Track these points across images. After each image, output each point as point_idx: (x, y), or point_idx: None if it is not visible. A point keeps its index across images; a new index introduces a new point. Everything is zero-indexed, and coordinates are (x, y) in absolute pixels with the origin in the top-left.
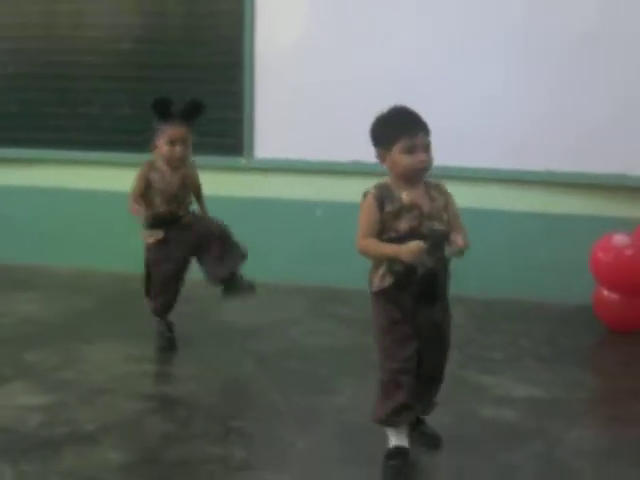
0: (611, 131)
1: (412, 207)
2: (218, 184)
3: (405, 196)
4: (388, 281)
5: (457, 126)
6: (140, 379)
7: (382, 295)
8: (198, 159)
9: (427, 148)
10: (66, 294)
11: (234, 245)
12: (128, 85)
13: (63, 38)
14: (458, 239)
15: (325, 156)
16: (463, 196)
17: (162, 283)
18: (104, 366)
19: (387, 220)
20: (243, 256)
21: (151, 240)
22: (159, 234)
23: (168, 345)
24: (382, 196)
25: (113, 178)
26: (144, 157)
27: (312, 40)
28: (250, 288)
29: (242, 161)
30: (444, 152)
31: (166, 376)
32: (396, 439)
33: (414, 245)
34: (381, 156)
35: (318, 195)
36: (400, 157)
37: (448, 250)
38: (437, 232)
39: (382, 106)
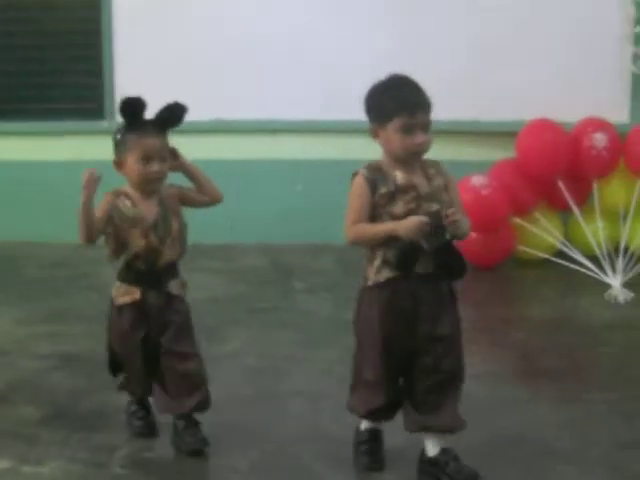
0: (464, 79)
1: (408, 188)
2: (81, 148)
3: (400, 176)
4: (385, 274)
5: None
6: (34, 340)
7: (377, 291)
8: (59, 125)
9: (426, 128)
10: None
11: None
12: None
13: None
14: (452, 214)
15: (187, 116)
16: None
17: (130, 361)
18: None
19: (380, 204)
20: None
21: (126, 300)
22: (134, 293)
23: (148, 431)
24: (374, 177)
25: None
26: (5, 124)
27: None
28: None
29: (104, 124)
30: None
31: (60, 336)
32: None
33: (413, 220)
34: (374, 132)
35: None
36: (396, 137)
37: (450, 231)
38: (436, 213)
39: (245, 64)
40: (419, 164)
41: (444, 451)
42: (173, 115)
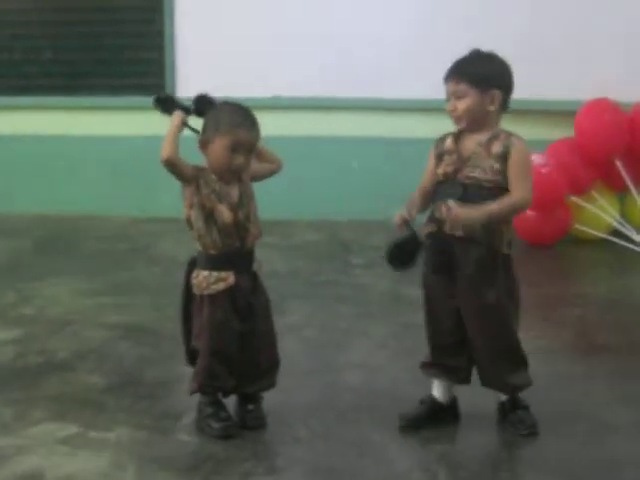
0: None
1: (452, 152)
2: (142, 124)
3: (449, 140)
4: (427, 229)
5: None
6: (99, 310)
7: (426, 241)
8: (121, 100)
9: (458, 96)
10: None
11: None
12: (49, 30)
13: None
14: (451, 206)
15: (245, 93)
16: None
17: (223, 353)
18: (60, 300)
19: (436, 165)
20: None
21: (219, 287)
22: (228, 278)
23: (232, 432)
24: (439, 140)
25: (37, 122)
26: (67, 100)
27: None
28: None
29: None
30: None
31: (123, 306)
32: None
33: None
34: None
35: None
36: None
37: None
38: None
39: (298, 44)
40: (489, 134)
41: (512, 399)
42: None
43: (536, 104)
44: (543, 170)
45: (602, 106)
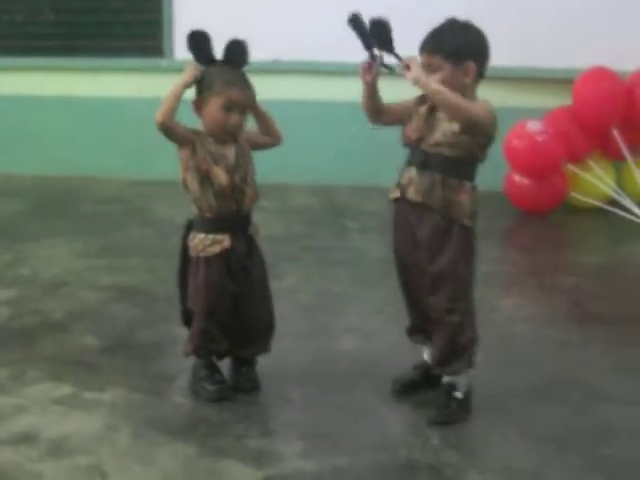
0: (522, 26)
1: (423, 117)
2: (140, 86)
3: (426, 107)
4: (391, 195)
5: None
6: (93, 271)
7: (392, 207)
8: (120, 62)
9: (432, 69)
10: None
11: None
12: None
13: None
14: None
15: None
16: None
17: (217, 316)
18: (55, 261)
19: (406, 120)
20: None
21: (215, 250)
22: (224, 241)
23: (225, 395)
24: (420, 98)
25: (37, 83)
26: (67, 61)
27: None
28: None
29: (163, 62)
30: None
31: (118, 268)
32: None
33: None
34: None
35: None
36: None
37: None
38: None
39: (297, 7)
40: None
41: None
42: (242, 53)
43: (535, 72)
44: (540, 138)
45: (600, 75)
